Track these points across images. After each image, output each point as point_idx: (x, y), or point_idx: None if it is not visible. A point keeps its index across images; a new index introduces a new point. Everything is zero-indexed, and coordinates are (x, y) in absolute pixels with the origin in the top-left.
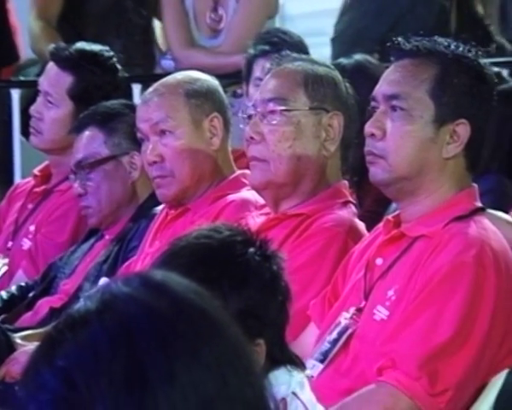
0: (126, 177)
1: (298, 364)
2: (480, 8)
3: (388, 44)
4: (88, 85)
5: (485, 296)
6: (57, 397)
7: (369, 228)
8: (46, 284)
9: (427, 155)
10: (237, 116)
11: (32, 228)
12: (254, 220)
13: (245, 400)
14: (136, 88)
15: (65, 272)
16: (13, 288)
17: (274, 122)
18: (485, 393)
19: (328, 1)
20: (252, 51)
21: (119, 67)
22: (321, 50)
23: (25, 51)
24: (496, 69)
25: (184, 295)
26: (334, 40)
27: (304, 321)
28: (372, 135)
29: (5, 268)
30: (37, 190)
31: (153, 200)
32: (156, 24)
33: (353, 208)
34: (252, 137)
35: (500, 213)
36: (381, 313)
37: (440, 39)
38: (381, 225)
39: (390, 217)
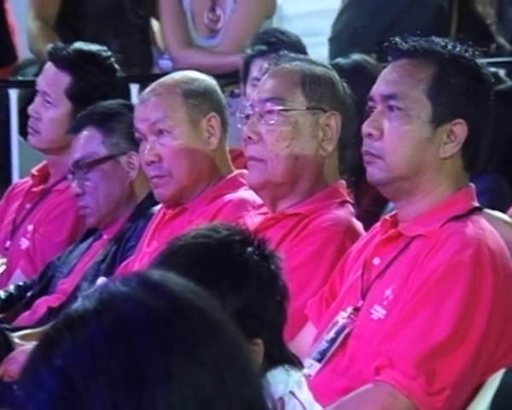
0: (124, 177)
1: (296, 363)
2: (480, 8)
3: (386, 44)
4: (86, 85)
5: (482, 296)
6: (55, 396)
7: (366, 228)
8: (44, 284)
9: (424, 154)
10: (235, 116)
11: (30, 228)
12: (252, 220)
13: (243, 399)
14: (134, 88)
15: (63, 271)
16: (11, 287)
17: (271, 122)
18: (482, 392)
19: (326, 1)
20: (249, 51)
21: (116, 67)
22: (318, 50)
23: (23, 51)
24: (492, 69)
25: (182, 294)
26: (331, 40)
27: (301, 320)
28: (369, 135)
29: (3, 268)
30: (35, 189)
31: (150, 200)
32: (155, 24)
33: (351, 208)
34: (249, 137)
35: (497, 213)
36: (379, 312)
37: (437, 39)
38: (378, 224)
39: (387, 217)
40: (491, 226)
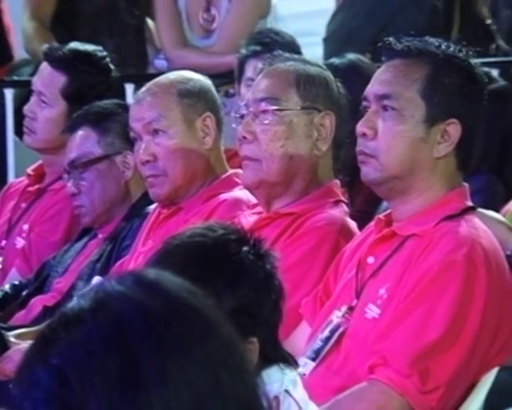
0: (119, 176)
1: (291, 362)
2: (481, 9)
3: (380, 44)
4: (81, 85)
5: (475, 295)
6: (51, 395)
7: (359, 227)
8: (39, 283)
9: (418, 154)
10: (230, 116)
11: (25, 227)
12: (247, 219)
13: (238, 398)
14: (129, 88)
15: (58, 270)
16: (6, 286)
17: (266, 122)
18: (476, 391)
19: (321, 1)
20: (243, 52)
21: (112, 66)
22: (313, 50)
23: (18, 51)
24: (485, 69)
25: (178, 293)
26: (326, 40)
27: (296, 319)
28: (363, 135)
29: None
30: (30, 189)
31: (146, 199)
32: (152, 24)
33: (345, 207)
34: (244, 137)
35: (491, 212)
36: (373, 311)
37: (431, 39)
38: (372, 224)
39: (381, 216)
40: (484, 226)
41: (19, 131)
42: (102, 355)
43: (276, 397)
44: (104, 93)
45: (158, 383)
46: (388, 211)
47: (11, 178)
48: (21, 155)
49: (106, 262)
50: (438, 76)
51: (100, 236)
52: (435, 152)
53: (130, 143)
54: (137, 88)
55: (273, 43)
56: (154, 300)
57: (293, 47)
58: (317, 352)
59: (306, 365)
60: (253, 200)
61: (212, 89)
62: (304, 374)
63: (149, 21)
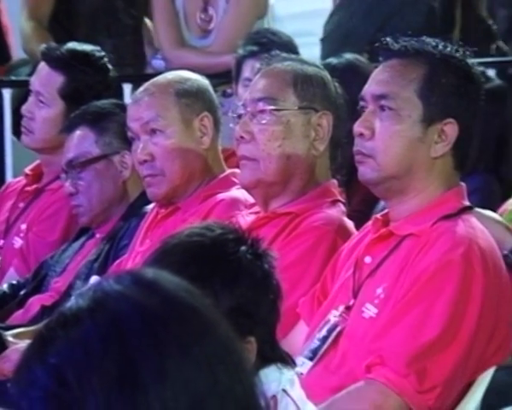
0: (117, 176)
1: (288, 362)
2: (482, 9)
3: (377, 45)
4: (79, 85)
5: (472, 295)
6: (49, 394)
7: (356, 227)
8: (37, 282)
9: (415, 154)
10: (227, 115)
11: (23, 227)
12: (244, 219)
13: (236, 397)
14: (127, 88)
15: (56, 270)
16: (4, 286)
17: (264, 122)
18: (473, 390)
19: (318, 1)
20: (241, 52)
21: (109, 66)
22: (310, 51)
23: (16, 51)
24: (481, 68)
25: (175, 293)
26: (323, 40)
27: (293, 319)
28: (361, 134)
29: None
30: (28, 188)
31: (143, 199)
32: (151, 24)
33: (342, 207)
34: (242, 137)
35: (488, 212)
36: (370, 310)
37: (428, 39)
38: (369, 223)
39: (379, 216)
40: (481, 225)
41: (17, 131)
42: (100, 355)
43: (274, 396)
44: (102, 93)
45: (156, 382)
46: (385, 211)
47: (9, 177)
48: (19, 155)
49: (103, 262)
50: (435, 76)
51: (98, 235)
52: (432, 152)
53: (127, 142)
54: (135, 88)
55: (270, 44)
56: (152, 299)
57: (290, 47)
58: (315, 351)
59: (304, 364)
60: (251, 199)
61: (210, 89)
62: (301, 373)
63: (148, 22)
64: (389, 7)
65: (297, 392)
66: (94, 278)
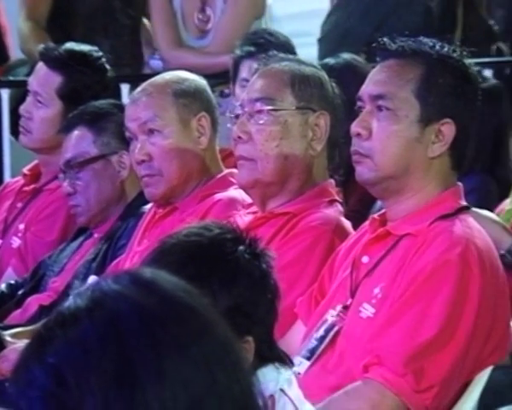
0: (115, 176)
1: (286, 361)
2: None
3: (374, 45)
4: (77, 85)
5: (469, 294)
6: (47, 393)
7: (353, 227)
8: (35, 282)
9: (412, 154)
10: (225, 116)
11: (21, 227)
12: (242, 219)
13: (233, 397)
14: (125, 88)
15: (54, 270)
16: (2, 286)
17: (261, 122)
18: (470, 390)
19: (315, 2)
20: (238, 52)
21: (107, 67)
22: (308, 51)
23: (14, 52)
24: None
25: (173, 292)
26: (320, 41)
27: (291, 318)
28: (358, 135)
29: None
30: (26, 188)
31: (141, 199)
32: (149, 24)
33: (339, 207)
34: (239, 137)
35: (485, 212)
36: (368, 310)
37: (425, 40)
38: (367, 223)
39: (376, 215)
40: (478, 225)
41: (15, 131)
42: (99, 354)
43: (272, 396)
44: (100, 93)
45: (154, 382)
46: (383, 211)
47: (7, 177)
48: (17, 155)
49: (101, 261)
50: (432, 76)
51: (95, 235)
52: (429, 152)
53: (125, 142)
54: (133, 88)
55: (267, 44)
56: (150, 299)
57: (287, 47)
58: (312, 351)
59: (301, 364)
60: (248, 199)
61: (207, 89)
62: (299, 373)
63: (147, 22)
64: (386, 7)
65: (294, 392)
66: (92, 278)
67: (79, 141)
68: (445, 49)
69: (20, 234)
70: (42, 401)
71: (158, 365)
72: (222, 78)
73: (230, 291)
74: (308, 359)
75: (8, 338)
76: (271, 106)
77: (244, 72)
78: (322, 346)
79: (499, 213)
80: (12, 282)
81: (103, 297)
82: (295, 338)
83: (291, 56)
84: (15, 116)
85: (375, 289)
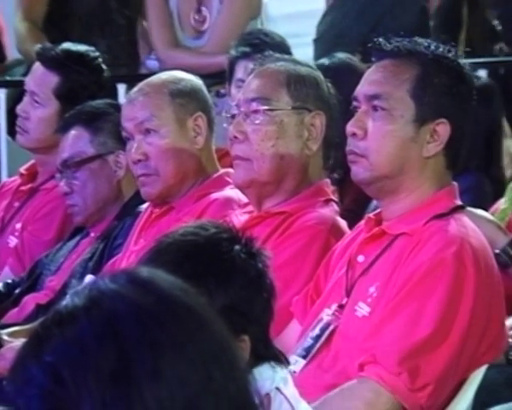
0: (112, 175)
1: (282, 360)
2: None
3: (370, 45)
4: (74, 85)
5: (464, 293)
6: (45, 392)
7: (348, 226)
8: (32, 281)
9: (407, 154)
10: (221, 115)
11: (18, 226)
12: (238, 218)
13: (230, 395)
14: (121, 88)
15: (50, 269)
16: None
17: (257, 122)
18: (465, 388)
19: (311, 2)
20: (233, 53)
21: (104, 67)
22: (303, 51)
23: (11, 51)
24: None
25: (170, 291)
26: (316, 41)
27: (287, 317)
28: (354, 134)
29: None
30: (23, 188)
31: (138, 198)
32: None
33: (335, 206)
34: (235, 137)
35: (479, 211)
36: (363, 309)
37: (421, 40)
38: (362, 222)
39: (371, 215)
40: (473, 224)
41: (12, 131)
42: (96, 353)
43: (268, 395)
44: (96, 93)
45: (151, 380)
46: (378, 210)
47: (4, 177)
48: (14, 155)
49: (98, 261)
50: (427, 76)
51: (92, 234)
52: (425, 151)
53: (122, 142)
54: (129, 88)
55: (263, 45)
56: (147, 298)
57: (282, 48)
58: (308, 350)
59: (297, 362)
60: (244, 199)
61: (204, 89)
62: (294, 372)
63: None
64: (382, 7)
65: (290, 390)
66: (88, 277)
67: (76, 141)
68: (440, 49)
69: (16, 233)
70: (39, 399)
71: (154, 363)
72: (218, 78)
73: (226, 290)
74: (304, 357)
75: (5, 337)
76: (267, 106)
77: (240, 72)
78: (318, 345)
79: (494, 213)
80: (9, 281)
81: (100, 296)
82: (291, 337)
83: (287, 56)
84: (12, 116)
85: (370, 289)
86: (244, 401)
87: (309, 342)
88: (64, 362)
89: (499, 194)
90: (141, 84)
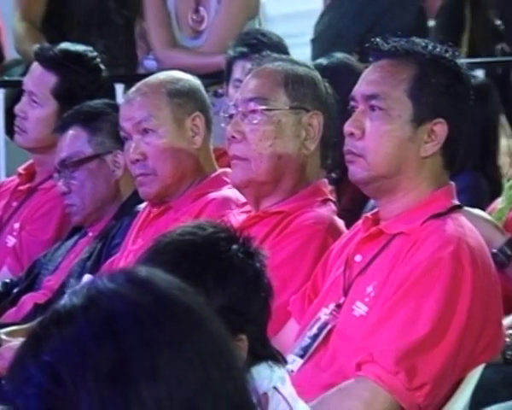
0: (110, 175)
1: (279, 359)
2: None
3: (367, 45)
4: (72, 85)
5: (462, 293)
6: (43, 391)
7: (346, 226)
8: (30, 281)
9: (405, 153)
10: (219, 115)
11: (16, 226)
12: (235, 218)
13: (228, 394)
14: (119, 88)
15: (49, 268)
16: None
17: (255, 121)
18: (462, 388)
19: (309, 2)
20: (231, 53)
21: (102, 67)
22: (301, 51)
23: (9, 52)
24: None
25: (168, 291)
26: (313, 41)
27: (284, 317)
28: (351, 134)
29: None
30: (21, 188)
31: (136, 198)
32: None
33: (333, 206)
34: (233, 136)
35: (476, 211)
36: (360, 308)
37: (418, 40)
38: (360, 222)
39: (369, 214)
40: (470, 224)
41: (10, 131)
42: (94, 352)
43: (265, 394)
44: (94, 93)
45: (148, 379)
46: (375, 210)
47: (2, 177)
48: (12, 155)
49: (96, 260)
50: (425, 76)
51: (90, 234)
52: (422, 151)
53: (120, 142)
54: (127, 88)
55: (260, 45)
56: (145, 297)
57: (280, 48)
58: (305, 349)
59: (294, 362)
60: (242, 199)
61: (202, 89)
62: (292, 371)
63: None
64: (379, 7)
65: (288, 389)
66: (86, 277)
67: (74, 140)
68: (438, 49)
69: (15, 233)
70: (38, 398)
71: (153, 363)
72: (216, 78)
73: (224, 290)
74: (301, 357)
75: (3, 336)
76: (265, 106)
77: (237, 72)
78: (316, 344)
79: (491, 212)
80: (7, 280)
81: (99, 296)
82: (289, 336)
83: (284, 56)
84: (10, 116)
85: (367, 288)
86: (242, 401)
87: (306, 341)
88: (62, 362)
89: (496, 193)
90: (139, 84)
